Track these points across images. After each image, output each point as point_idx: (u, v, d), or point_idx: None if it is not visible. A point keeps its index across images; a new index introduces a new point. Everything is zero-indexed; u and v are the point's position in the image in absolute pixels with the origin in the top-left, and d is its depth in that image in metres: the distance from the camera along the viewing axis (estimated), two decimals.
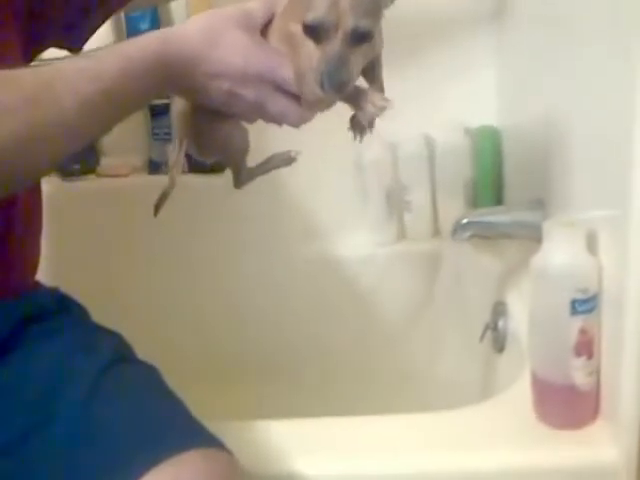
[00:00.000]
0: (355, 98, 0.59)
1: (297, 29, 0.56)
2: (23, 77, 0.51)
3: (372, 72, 0.62)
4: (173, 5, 1.18)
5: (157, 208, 0.76)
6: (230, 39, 0.58)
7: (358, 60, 0.55)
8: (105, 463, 0.50)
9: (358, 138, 0.65)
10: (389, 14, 0.58)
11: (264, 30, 0.61)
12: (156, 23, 1.16)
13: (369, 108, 0.58)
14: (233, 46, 0.58)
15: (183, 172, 1.17)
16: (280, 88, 0.59)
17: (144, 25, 1.16)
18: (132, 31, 1.16)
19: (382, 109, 0.58)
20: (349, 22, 0.53)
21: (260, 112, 0.61)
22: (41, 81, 0.51)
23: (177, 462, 0.48)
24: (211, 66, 0.57)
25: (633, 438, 0.58)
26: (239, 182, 0.75)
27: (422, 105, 1.10)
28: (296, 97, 0.60)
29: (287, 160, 0.76)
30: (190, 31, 0.58)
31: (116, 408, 0.54)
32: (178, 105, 0.69)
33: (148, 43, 0.56)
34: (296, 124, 0.62)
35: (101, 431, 0.52)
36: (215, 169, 1.11)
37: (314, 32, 0.54)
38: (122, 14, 1.16)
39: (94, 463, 0.50)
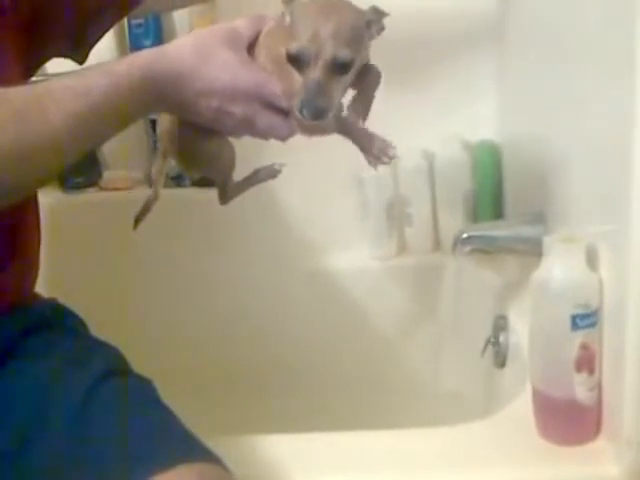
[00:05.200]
0: (361, 140, 0.60)
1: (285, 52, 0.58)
2: (11, 94, 0.51)
3: (358, 103, 0.62)
4: (177, 21, 1.19)
5: (137, 221, 0.76)
6: (218, 57, 0.59)
7: (339, 88, 0.57)
8: None
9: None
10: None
11: (250, 47, 0.62)
12: (159, 39, 1.17)
13: (376, 153, 0.60)
14: (222, 64, 0.59)
15: (184, 186, 1.19)
16: (269, 104, 0.60)
17: (147, 41, 1.16)
18: (135, 46, 1.16)
19: (391, 158, 0.60)
20: (328, 52, 0.54)
21: (249, 128, 0.62)
22: (29, 98, 0.52)
23: (168, 478, 0.48)
24: (200, 84, 0.58)
25: (635, 455, 0.58)
26: (225, 198, 0.75)
27: (423, 120, 1.10)
28: (283, 112, 0.61)
29: (272, 173, 0.76)
30: (179, 49, 0.59)
31: (107, 423, 0.54)
32: (164, 121, 0.70)
33: (136, 60, 0.57)
34: (284, 138, 0.63)
35: (91, 447, 0.52)
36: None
37: (296, 61, 0.55)
38: (126, 29, 1.17)
39: None
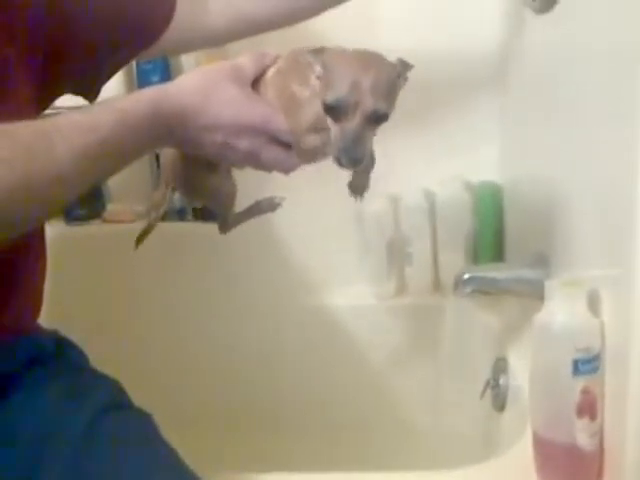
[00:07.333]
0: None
1: (298, 90, 0.60)
2: (20, 130, 0.52)
3: None
4: (184, 57, 1.22)
5: (138, 241, 0.78)
6: (223, 93, 0.60)
7: (372, 137, 0.58)
8: None
9: (358, 198, 0.70)
10: None
11: (254, 83, 0.64)
12: (167, 76, 1.18)
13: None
14: (226, 100, 0.60)
15: (187, 220, 1.20)
16: (273, 138, 0.62)
17: (155, 77, 1.17)
18: (143, 83, 1.18)
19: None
20: (369, 104, 0.55)
21: (253, 161, 0.63)
22: (37, 134, 0.53)
23: None
24: (205, 119, 0.59)
25: None
26: (225, 227, 0.77)
27: (425, 160, 1.12)
28: (287, 145, 0.63)
29: (272, 206, 0.78)
30: (184, 86, 0.61)
31: (107, 458, 0.54)
32: (166, 153, 0.72)
33: (142, 97, 0.59)
34: (288, 171, 0.64)
35: None
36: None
37: (334, 111, 0.57)
38: (134, 65, 1.19)
39: None
